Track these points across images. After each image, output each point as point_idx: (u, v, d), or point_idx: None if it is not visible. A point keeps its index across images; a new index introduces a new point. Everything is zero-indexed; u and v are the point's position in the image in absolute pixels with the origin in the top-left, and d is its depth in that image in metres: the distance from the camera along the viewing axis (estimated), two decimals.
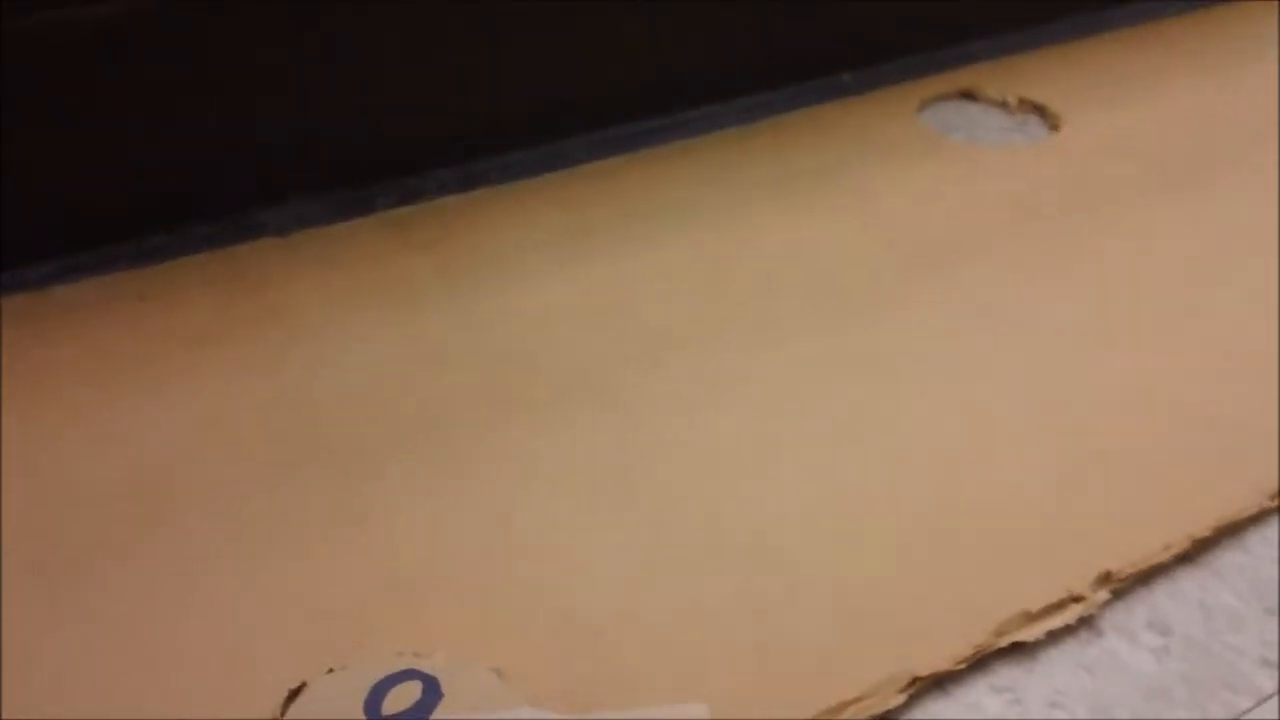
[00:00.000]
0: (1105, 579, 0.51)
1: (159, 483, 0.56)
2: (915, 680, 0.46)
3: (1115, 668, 0.48)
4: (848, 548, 0.52)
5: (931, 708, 0.47)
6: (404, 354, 0.64)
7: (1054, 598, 0.50)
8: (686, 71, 0.85)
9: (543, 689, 0.46)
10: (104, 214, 0.70)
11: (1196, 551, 0.53)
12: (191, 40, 0.68)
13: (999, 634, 0.48)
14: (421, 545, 0.53)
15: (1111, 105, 0.89)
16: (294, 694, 0.46)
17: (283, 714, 0.45)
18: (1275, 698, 0.47)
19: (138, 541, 0.53)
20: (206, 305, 0.67)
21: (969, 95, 0.91)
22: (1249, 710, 0.47)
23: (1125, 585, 0.51)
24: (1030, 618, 0.49)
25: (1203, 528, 0.53)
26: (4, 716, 0.45)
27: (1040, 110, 0.89)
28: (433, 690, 0.45)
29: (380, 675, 0.46)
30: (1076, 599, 0.50)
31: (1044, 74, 0.93)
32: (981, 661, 0.48)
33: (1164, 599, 0.51)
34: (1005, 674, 0.48)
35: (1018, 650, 0.48)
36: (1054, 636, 0.49)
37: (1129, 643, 0.49)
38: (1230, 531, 0.54)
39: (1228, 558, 0.53)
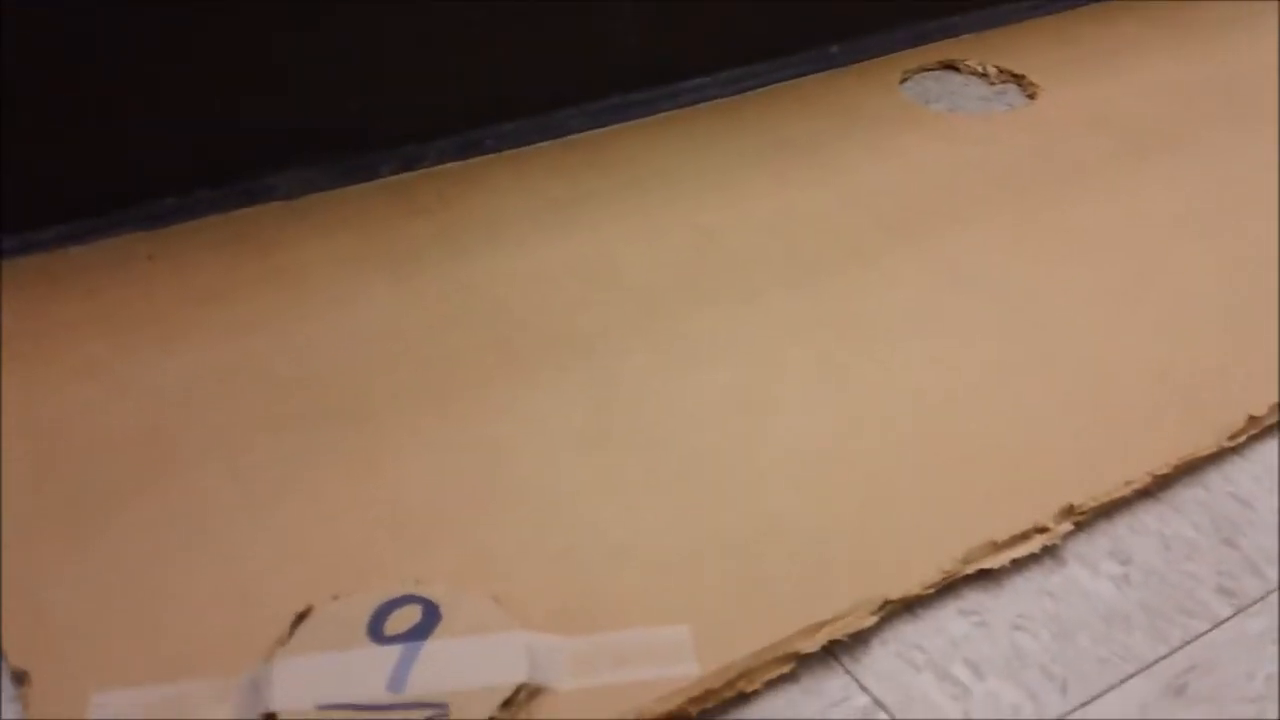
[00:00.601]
0: (1069, 511, 0.53)
1: (170, 431, 0.58)
2: (886, 603, 0.49)
3: (1077, 594, 0.51)
4: (824, 485, 0.55)
5: (902, 630, 0.49)
6: (404, 312, 0.67)
7: (1020, 529, 0.52)
8: (677, 45, 0.87)
9: (537, 614, 0.49)
10: (114, 179, 0.73)
11: (1158, 488, 0.56)
12: (200, 9, 0.70)
13: (966, 561, 0.51)
14: (421, 488, 0.55)
15: (1088, 76, 0.91)
16: (301, 617, 0.48)
17: (290, 635, 0.48)
18: (1230, 620, 0.50)
19: (151, 485, 0.55)
20: (214, 265, 0.70)
21: (950, 66, 0.94)
22: (1205, 633, 0.49)
23: (1088, 518, 0.54)
24: (996, 546, 0.51)
25: (1163, 465, 0.56)
26: (30, 650, 0.47)
27: (1019, 80, 0.91)
28: (432, 613, 0.48)
29: (382, 600, 0.49)
30: (1041, 530, 0.52)
31: (1024, 46, 0.96)
32: (950, 587, 0.50)
33: (1125, 531, 0.54)
34: (972, 599, 0.50)
35: (984, 577, 0.51)
36: (1019, 565, 0.51)
37: (1090, 571, 0.52)
38: (1190, 470, 0.56)
39: (1188, 494, 0.56)
